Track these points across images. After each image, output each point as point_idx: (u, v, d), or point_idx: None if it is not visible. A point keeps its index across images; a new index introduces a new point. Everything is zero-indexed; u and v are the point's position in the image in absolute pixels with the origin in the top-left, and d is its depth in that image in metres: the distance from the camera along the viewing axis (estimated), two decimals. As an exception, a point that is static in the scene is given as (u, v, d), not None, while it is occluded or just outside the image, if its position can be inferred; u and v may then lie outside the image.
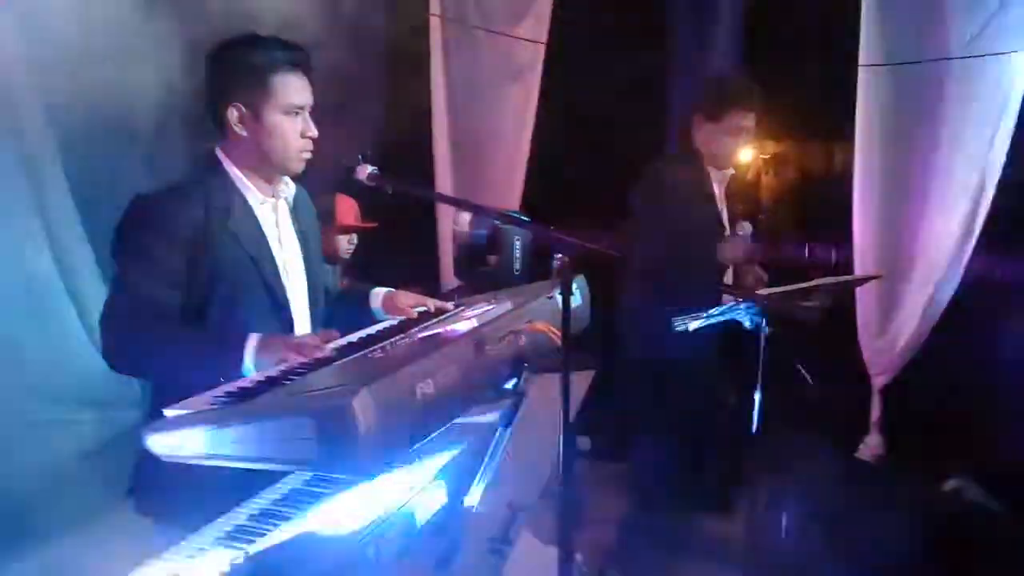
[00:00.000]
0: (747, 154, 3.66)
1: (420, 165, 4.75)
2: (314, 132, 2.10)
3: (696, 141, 3.50)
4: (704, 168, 3.50)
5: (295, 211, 2.23)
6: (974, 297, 4.15)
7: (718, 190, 3.56)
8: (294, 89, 2.06)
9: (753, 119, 3.44)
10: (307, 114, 2.10)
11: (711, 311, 2.95)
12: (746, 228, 3.40)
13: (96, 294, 3.55)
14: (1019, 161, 3.85)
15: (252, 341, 1.86)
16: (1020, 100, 3.77)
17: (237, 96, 2.05)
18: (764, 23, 4.27)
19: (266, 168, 2.11)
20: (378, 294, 2.36)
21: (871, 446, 4.25)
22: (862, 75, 4.06)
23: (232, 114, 2.05)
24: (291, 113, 2.06)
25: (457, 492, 1.89)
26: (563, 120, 4.84)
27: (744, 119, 3.42)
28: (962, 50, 3.89)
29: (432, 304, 2.30)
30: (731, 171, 3.58)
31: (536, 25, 4.71)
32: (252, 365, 1.86)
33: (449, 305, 2.31)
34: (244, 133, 2.06)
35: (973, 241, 3.97)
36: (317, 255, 2.31)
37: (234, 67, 2.06)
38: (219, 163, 2.10)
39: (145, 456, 1.55)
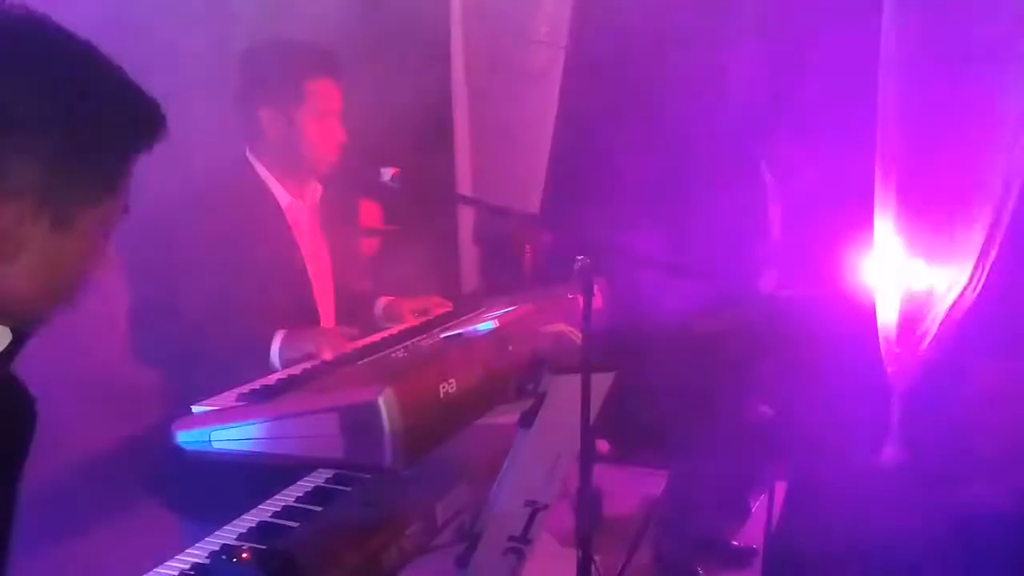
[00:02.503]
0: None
1: (442, 169, 4.77)
2: (343, 136, 2.13)
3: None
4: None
5: (323, 213, 2.26)
6: (997, 303, 4.12)
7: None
8: (326, 94, 2.09)
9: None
10: (337, 118, 2.13)
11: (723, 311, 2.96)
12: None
13: (121, 283, 3.58)
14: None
15: (279, 335, 1.90)
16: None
17: (270, 100, 2.08)
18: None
19: (296, 171, 2.14)
20: (381, 302, 2.38)
21: (890, 452, 4.23)
22: (882, 70, 4.03)
23: (264, 118, 2.08)
24: (322, 118, 2.09)
25: (478, 491, 1.91)
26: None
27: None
28: (989, 48, 3.86)
29: (433, 309, 2.30)
30: None
31: (555, 27, 4.71)
32: (278, 359, 1.90)
33: (450, 305, 2.32)
34: (276, 136, 2.09)
35: (996, 244, 3.94)
36: (343, 256, 2.34)
37: (268, 71, 2.08)
38: (249, 165, 2.14)
39: (170, 452, 1.58)
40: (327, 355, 1.92)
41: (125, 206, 1.08)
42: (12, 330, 1.05)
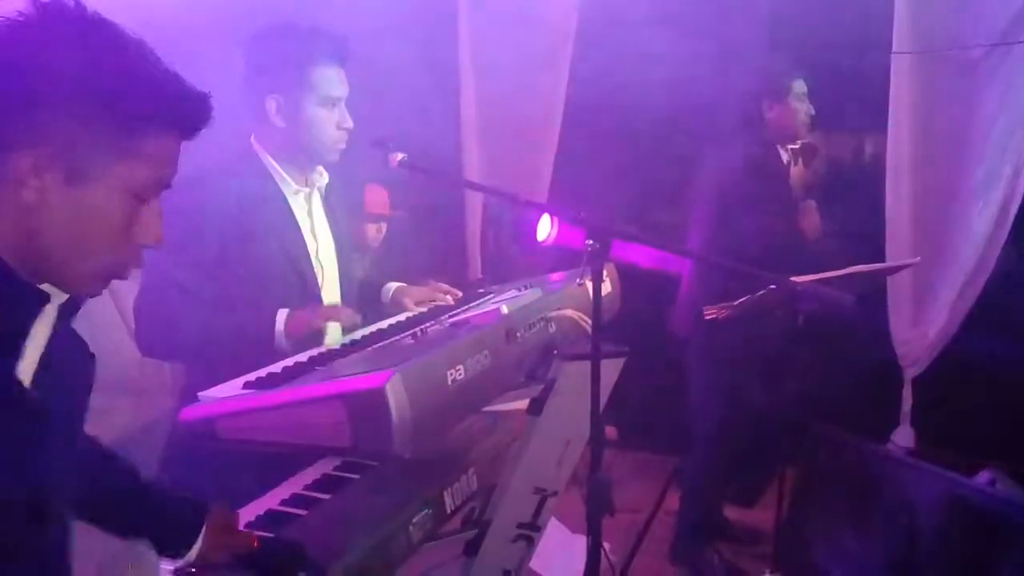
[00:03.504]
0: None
1: (448, 153, 4.76)
2: (350, 124, 2.11)
3: (766, 125, 3.60)
4: (776, 150, 3.62)
5: (328, 201, 2.24)
6: (1007, 288, 4.09)
7: (789, 173, 3.66)
8: (333, 81, 2.07)
9: (806, 86, 3.60)
10: (343, 105, 2.10)
11: (742, 299, 2.95)
12: (811, 203, 3.53)
13: (130, 281, 3.58)
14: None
15: (282, 315, 1.90)
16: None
17: (276, 87, 2.06)
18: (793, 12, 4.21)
19: (302, 159, 2.12)
20: (389, 289, 2.36)
21: (902, 438, 4.22)
22: (895, 63, 4.00)
23: (270, 105, 2.06)
24: (329, 105, 2.07)
25: (487, 478, 1.90)
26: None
27: (802, 85, 3.59)
28: (996, 37, 3.83)
29: (440, 296, 2.29)
30: (791, 149, 3.70)
31: (564, 10, 4.68)
32: (284, 340, 1.90)
33: (458, 293, 2.31)
34: (282, 124, 2.07)
35: (1006, 231, 3.91)
36: (349, 245, 2.32)
37: (273, 58, 2.06)
38: (254, 152, 2.12)
39: (175, 441, 1.57)
40: (344, 321, 1.94)
41: (163, 181, 1.15)
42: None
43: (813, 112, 3.61)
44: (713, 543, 3.72)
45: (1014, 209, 3.88)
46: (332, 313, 2.03)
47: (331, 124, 2.08)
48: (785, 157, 3.62)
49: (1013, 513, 2.73)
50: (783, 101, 3.55)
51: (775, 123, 3.58)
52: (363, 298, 2.32)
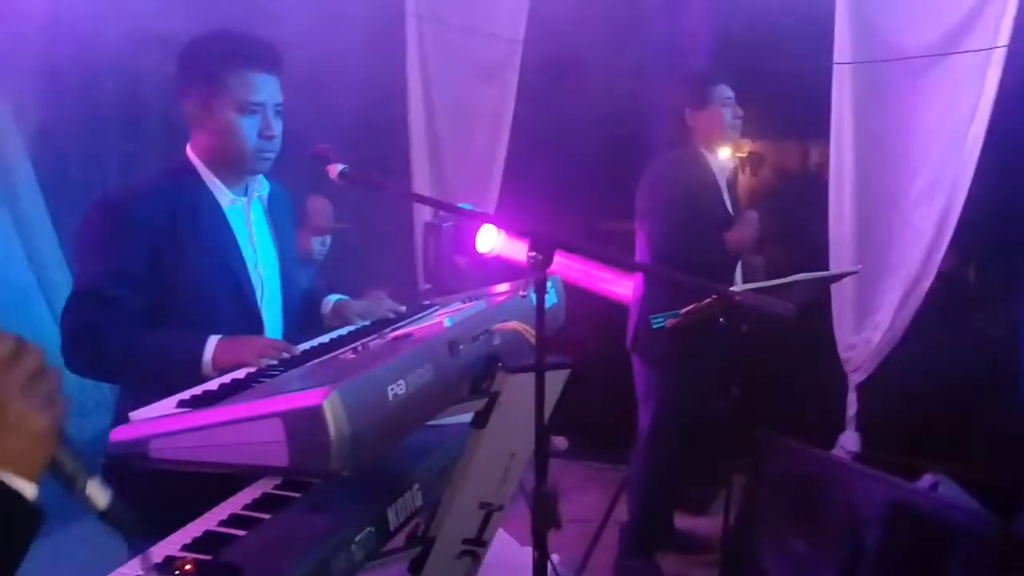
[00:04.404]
0: (728, 151, 3.72)
1: (398, 166, 4.73)
2: (273, 131, 2.05)
3: (692, 133, 3.60)
4: (704, 157, 3.61)
5: (270, 211, 2.20)
6: (949, 294, 4.17)
7: (720, 180, 3.65)
8: (250, 86, 2.01)
9: (731, 90, 3.59)
10: (270, 112, 2.05)
11: (685, 308, 2.97)
12: (751, 216, 3.52)
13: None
14: (992, 158, 3.87)
15: (212, 343, 1.83)
16: (993, 97, 3.78)
17: (193, 92, 2.03)
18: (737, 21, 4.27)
19: (229, 167, 2.08)
20: (329, 302, 2.31)
21: (848, 443, 4.27)
22: (836, 73, 4.07)
23: (190, 110, 2.03)
24: (247, 111, 2.02)
25: (431, 494, 1.87)
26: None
27: (726, 91, 3.58)
28: (936, 47, 3.91)
29: (381, 310, 2.24)
30: (732, 161, 3.75)
31: (513, 23, 4.68)
32: (212, 368, 1.82)
33: (401, 308, 2.26)
34: (202, 130, 2.03)
35: (947, 238, 3.99)
36: (293, 255, 2.28)
37: (189, 63, 2.04)
38: (190, 162, 2.08)
39: (110, 463, 1.51)
40: (281, 356, 1.86)
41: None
42: None
43: (740, 115, 3.61)
44: (659, 552, 3.73)
45: (955, 216, 3.96)
46: (267, 349, 1.87)
47: (250, 130, 2.02)
48: (715, 164, 3.63)
49: (956, 516, 2.76)
50: (707, 108, 3.55)
51: (700, 130, 3.58)
52: (304, 312, 2.28)
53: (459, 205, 2.66)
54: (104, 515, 1.04)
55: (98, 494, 1.03)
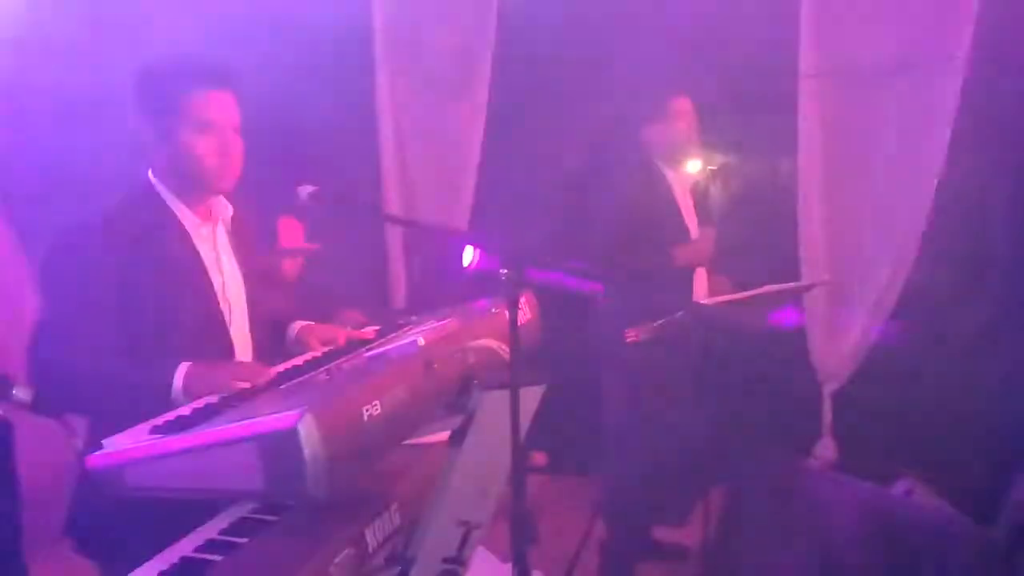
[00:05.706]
0: (697, 164, 3.72)
1: (368, 184, 4.73)
2: (234, 150, 2.04)
3: (649, 147, 3.60)
4: (660, 171, 3.60)
5: (235, 232, 2.18)
6: (919, 302, 4.22)
7: (680, 194, 3.63)
8: (204, 105, 1.99)
9: (689, 102, 3.57)
10: (228, 131, 2.04)
11: (657, 321, 2.98)
12: (707, 232, 3.52)
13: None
14: (958, 168, 3.93)
15: (181, 370, 1.80)
16: (957, 107, 3.85)
17: (149, 114, 2.01)
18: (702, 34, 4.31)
19: (191, 189, 2.05)
20: (294, 328, 2.29)
21: (823, 451, 4.31)
22: (803, 86, 4.12)
23: (148, 133, 2.01)
24: (204, 130, 2.00)
25: (410, 514, 1.86)
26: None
27: (682, 103, 3.57)
28: (899, 58, 3.97)
29: (344, 336, 2.22)
30: (699, 175, 3.72)
31: (481, 39, 4.70)
32: (183, 396, 1.79)
33: (368, 333, 2.23)
34: (160, 152, 2.02)
35: (916, 246, 4.04)
36: (261, 278, 2.26)
37: (144, 85, 2.02)
38: (152, 187, 2.05)
39: (82, 491, 1.50)
40: (255, 380, 1.83)
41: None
42: None
43: (696, 127, 3.60)
44: (640, 564, 3.72)
45: (923, 225, 4.01)
46: (241, 373, 1.85)
47: (207, 149, 2.01)
48: (673, 178, 3.63)
49: (930, 521, 2.79)
50: (662, 120, 3.55)
51: (654, 142, 3.58)
52: (272, 335, 2.25)
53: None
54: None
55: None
